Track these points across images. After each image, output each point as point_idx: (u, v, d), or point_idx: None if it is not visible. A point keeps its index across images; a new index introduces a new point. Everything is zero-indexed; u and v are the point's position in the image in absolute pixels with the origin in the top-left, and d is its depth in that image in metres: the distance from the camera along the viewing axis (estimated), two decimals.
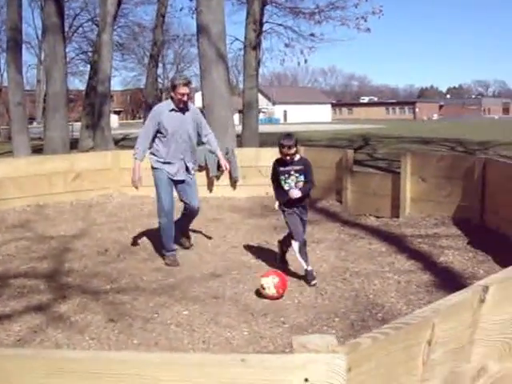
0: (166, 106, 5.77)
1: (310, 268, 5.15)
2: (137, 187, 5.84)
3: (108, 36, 16.98)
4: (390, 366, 1.47)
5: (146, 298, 4.85)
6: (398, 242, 6.50)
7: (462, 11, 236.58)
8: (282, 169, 5.21)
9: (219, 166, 9.50)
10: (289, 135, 5.19)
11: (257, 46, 16.46)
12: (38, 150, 16.79)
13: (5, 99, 30.01)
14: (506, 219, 6.39)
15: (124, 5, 26.48)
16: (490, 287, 1.84)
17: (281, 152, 5.15)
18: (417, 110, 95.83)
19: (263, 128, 27.38)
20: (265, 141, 16.12)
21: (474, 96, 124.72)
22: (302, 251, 5.20)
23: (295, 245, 5.18)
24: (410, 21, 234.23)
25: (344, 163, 8.60)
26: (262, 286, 4.70)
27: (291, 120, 75.79)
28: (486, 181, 7.09)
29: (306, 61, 19.67)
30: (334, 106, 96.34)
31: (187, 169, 5.82)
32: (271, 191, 9.75)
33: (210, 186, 9.70)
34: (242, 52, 17.69)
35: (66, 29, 26.52)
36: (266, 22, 18.37)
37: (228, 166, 6.16)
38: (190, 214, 6.09)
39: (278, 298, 4.72)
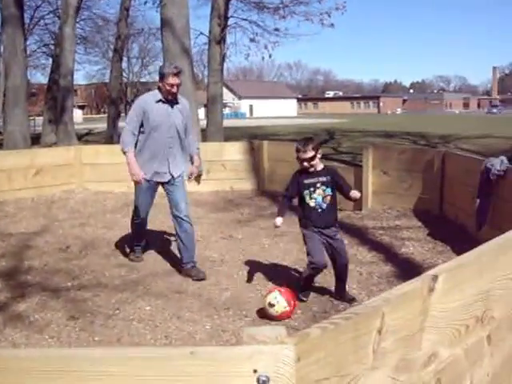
0: (152, 96, 5.17)
1: (304, 298, 4.55)
2: (140, 181, 5.15)
3: (70, 29, 16.64)
4: (340, 356, 1.49)
5: (108, 294, 4.80)
6: (360, 235, 6.59)
7: (423, 9, 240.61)
8: (306, 181, 4.33)
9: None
10: (306, 138, 4.43)
11: (221, 41, 16.38)
12: None
13: None
14: (463, 210, 6.55)
15: None
16: (439, 276, 1.88)
17: (297, 158, 4.36)
18: (381, 104, 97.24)
19: (229, 123, 27.37)
20: (230, 135, 16.13)
21: (436, 91, 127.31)
22: (308, 280, 4.54)
23: (307, 269, 4.47)
24: (375, 17, 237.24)
25: None
26: (269, 304, 4.10)
27: (257, 114, 75.86)
28: (445, 173, 7.25)
29: (270, 56, 19.64)
30: (299, 100, 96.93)
31: (175, 168, 5.22)
32: (235, 186, 9.67)
33: None
34: (206, 46, 17.55)
35: (27, 21, 25.83)
36: (231, 16, 18.28)
37: (194, 173, 5.52)
38: (181, 223, 5.20)
39: (291, 312, 4.17)
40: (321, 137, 24.20)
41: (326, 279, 5.06)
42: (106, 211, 8.28)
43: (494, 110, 75.54)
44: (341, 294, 4.56)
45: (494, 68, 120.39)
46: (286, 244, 6.33)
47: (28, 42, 25.10)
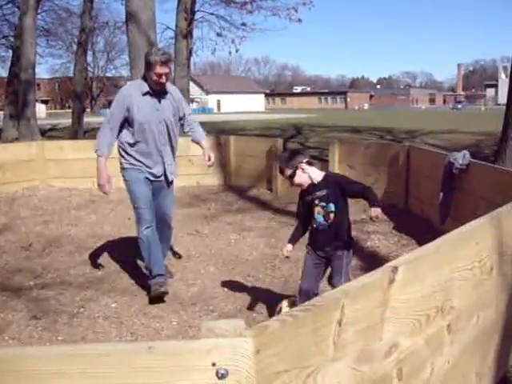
0: (137, 86, 4.43)
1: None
2: (106, 192, 4.55)
3: (31, 20, 16.27)
4: (300, 347, 1.49)
5: (72, 292, 4.71)
6: None
7: (390, 5, 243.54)
8: (306, 199, 3.70)
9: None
10: (282, 156, 3.92)
11: (188, 35, 16.29)
12: None
13: None
14: (428, 204, 6.65)
15: None
16: (399, 268, 1.90)
17: None
18: (348, 99, 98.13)
19: (196, 118, 26.93)
20: None
21: (402, 87, 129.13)
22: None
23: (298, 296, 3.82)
24: (342, 13, 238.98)
25: (274, 152, 8.69)
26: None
27: (225, 109, 75.62)
28: (410, 167, 7.37)
29: (237, 50, 19.65)
30: (267, 95, 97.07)
31: (170, 170, 4.64)
32: (202, 181, 9.59)
33: None
34: (173, 41, 17.44)
35: None
36: (198, 10, 18.19)
37: (212, 159, 4.75)
38: (163, 230, 4.69)
39: None
40: (288, 132, 24.30)
41: (292, 273, 5.07)
42: (70, 208, 8.14)
43: (459, 106, 76.98)
44: None
45: (459, 65, 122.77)
46: (252, 239, 6.33)
47: None
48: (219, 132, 20.75)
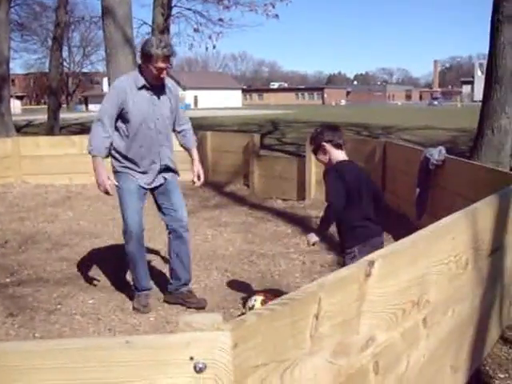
0: (132, 81, 3.95)
1: None
2: (108, 192, 4.02)
3: (4, 14, 15.96)
4: (277, 341, 1.49)
5: (49, 289, 4.66)
6: (303, 224, 6.65)
7: (366, 2, 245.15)
8: None
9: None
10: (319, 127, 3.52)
11: (165, 30, 16.19)
12: None
13: None
14: (404, 199, 6.72)
15: None
16: (375, 262, 1.91)
17: None
18: (325, 95, 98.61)
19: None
20: None
21: (379, 83, 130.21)
22: None
23: None
24: (319, 9, 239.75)
25: (251, 148, 8.69)
26: (249, 307, 3.73)
27: (202, 105, 75.38)
28: (387, 163, 7.42)
29: (214, 46, 19.63)
30: (244, 91, 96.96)
31: (165, 169, 4.18)
32: (179, 177, 9.60)
33: None
34: (149, 36, 17.29)
35: None
36: (175, 5, 18.09)
37: (202, 179, 4.38)
38: (180, 236, 4.22)
39: None
40: (265, 128, 24.32)
41: (270, 268, 5.08)
42: (46, 204, 8.06)
43: (435, 102, 77.88)
44: None
45: (435, 61, 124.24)
46: (229, 234, 6.34)
47: None
48: (197, 128, 20.61)
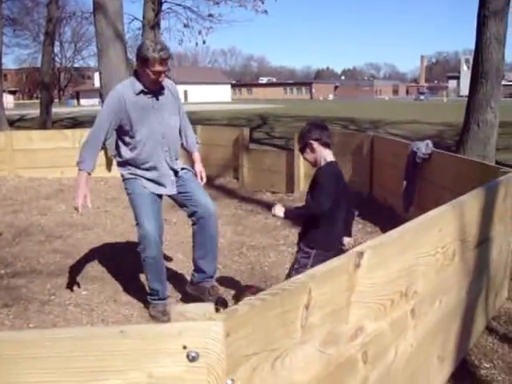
0: (129, 88, 3.78)
1: None
2: (77, 210, 3.79)
3: None
4: (268, 331, 1.51)
5: (42, 280, 4.69)
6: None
7: None
8: None
9: None
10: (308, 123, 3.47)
11: (155, 26, 16.14)
12: None
13: None
14: (391, 192, 6.77)
15: None
16: (364, 253, 1.94)
17: None
18: (313, 90, 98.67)
19: None
20: None
21: (366, 78, 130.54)
22: None
23: None
24: (307, 5, 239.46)
25: (240, 141, 8.72)
26: None
27: (192, 100, 75.11)
28: (374, 156, 7.47)
29: (204, 41, 19.56)
30: (233, 86, 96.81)
31: (176, 172, 3.99)
32: None
33: (109, 165, 9.53)
34: (140, 31, 17.24)
35: None
36: (165, 1, 17.97)
37: (205, 179, 4.26)
38: (206, 224, 3.97)
39: None
40: (254, 122, 24.31)
41: (259, 259, 5.12)
42: (39, 197, 8.11)
43: (422, 97, 78.24)
44: None
45: (422, 57, 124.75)
46: (219, 227, 6.33)
47: None
48: None
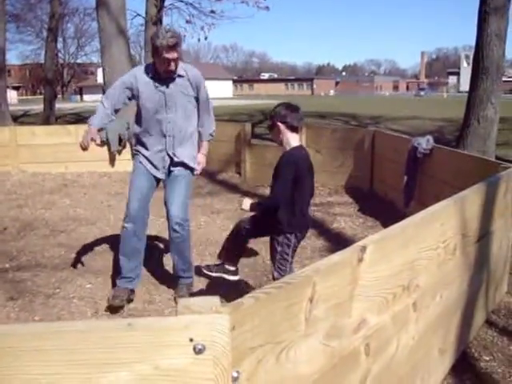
0: (144, 71, 3.93)
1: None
2: (85, 147, 3.89)
3: None
4: (273, 324, 1.54)
5: (47, 273, 4.73)
6: None
7: None
8: None
9: (120, 141, 9.34)
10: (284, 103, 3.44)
11: (158, 22, 16.10)
12: None
13: None
14: (392, 187, 6.80)
15: None
16: (367, 247, 1.96)
17: None
18: (314, 86, 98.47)
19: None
20: None
21: (367, 74, 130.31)
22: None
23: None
24: (308, 1, 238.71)
25: (242, 136, 8.73)
26: None
27: None
28: (375, 152, 7.49)
29: (206, 37, 19.47)
30: (235, 81, 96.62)
31: (176, 163, 4.08)
32: None
33: (112, 160, 9.61)
34: (143, 28, 17.21)
35: None
36: None
37: (201, 165, 4.33)
38: (172, 235, 4.06)
39: None
40: (256, 117, 24.29)
41: (262, 253, 5.15)
42: (44, 192, 8.15)
43: (422, 93, 77.99)
44: None
45: (422, 53, 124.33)
46: (222, 221, 6.42)
47: None
48: None
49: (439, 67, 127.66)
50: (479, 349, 3.27)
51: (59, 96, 46.68)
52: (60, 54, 46.88)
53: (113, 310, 3.91)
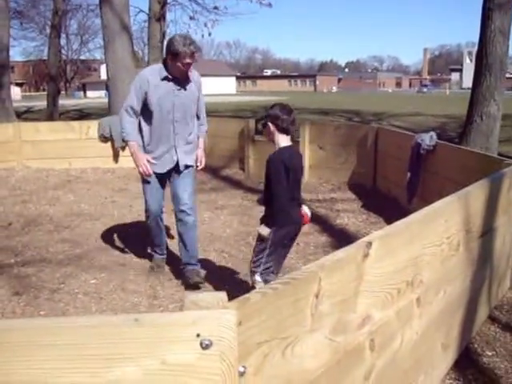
0: (156, 72, 4.21)
1: None
2: (148, 173, 4.28)
3: (3, 1, 15.78)
4: (279, 319, 1.55)
5: (52, 269, 4.76)
6: None
7: None
8: None
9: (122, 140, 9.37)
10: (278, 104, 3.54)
11: (161, 18, 16.09)
12: None
13: None
14: (395, 183, 6.80)
15: None
16: (373, 243, 1.97)
17: None
18: (317, 82, 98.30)
19: None
20: None
21: (370, 70, 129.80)
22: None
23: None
24: None
25: (246, 133, 8.74)
26: None
27: None
28: (378, 148, 7.49)
29: (209, 34, 19.47)
30: (238, 78, 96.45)
31: (184, 158, 4.38)
32: None
33: (116, 156, 9.65)
34: (146, 24, 17.21)
35: None
36: None
37: (203, 162, 4.56)
38: (181, 225, 4.41)
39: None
40: (259, 114, 24.27)
41: None
42: (47, 188, 8.19)
43: (424, 90, 77.76)
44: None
45: (425, 49, 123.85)
46: (226, 217, 6.46)
47: None
48: None
49: (442, 64, 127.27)
50: (482, 344, 3.29)
51: (62, 92, 46.74)
52: (63, 51, 46.86)
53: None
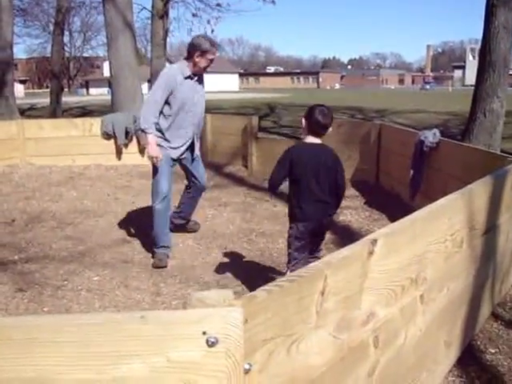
0: (180, 71, 4.71)
1: None
2: (157, 163, 4.75)
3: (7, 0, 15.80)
4: (285, 316, 1.55)
5: (55, 266, 4.77)
6: None
7: None
8: None
9: (127, 134, 9.44)
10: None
11: (164, 15, 16.08)
12: None
13: None
14: (398, 180, 6.80)
15: None
16: (378, 240, 1.98)
17: None
18: (320, 79, 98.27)
19: None
20: None
21: (372, 67, 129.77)
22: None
23: None
24: None
25: (249, 130, 8.74)
26: None
27: None
28: (381, 145, 7.49)
29: (212, 31, 19.42)
30: (241, 75, 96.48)
31: (193, 145, 5.02)
32: None
33: (119, 153, 9.66)
34: (149, 21, 17.19)
35: None
36: None
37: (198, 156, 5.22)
38: (196, 193, 5.33)
39: None
40: (262, 111, 24.26)
41: (268, 246, 5.17)
42: (51, 185, 8.20)
43: (427, 87, 77.54)
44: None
45: (428, 46, 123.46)
46: (229, 214, 6.46)
47: None
48: None
49: (445, 61, 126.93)
50: (485, 341, 3.29)
51: (65, 89, 46.83)
52: (66, 48, 46.98)
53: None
